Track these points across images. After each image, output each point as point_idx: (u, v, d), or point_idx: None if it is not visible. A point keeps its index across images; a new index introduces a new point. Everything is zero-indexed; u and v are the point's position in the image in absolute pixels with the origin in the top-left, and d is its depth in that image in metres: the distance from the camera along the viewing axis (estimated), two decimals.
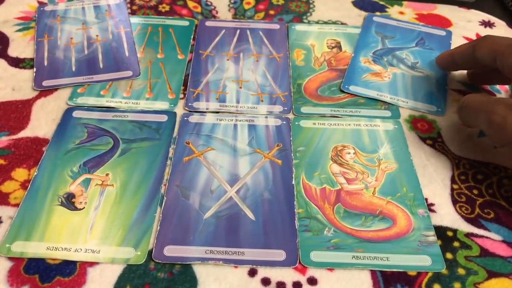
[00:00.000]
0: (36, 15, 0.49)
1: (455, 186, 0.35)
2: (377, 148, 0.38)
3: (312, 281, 0.30)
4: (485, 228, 0.33)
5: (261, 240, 0.31)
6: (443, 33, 0.49)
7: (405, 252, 0.31)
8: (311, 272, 0.30)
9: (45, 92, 0.41)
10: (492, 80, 0.42)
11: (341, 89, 0.42)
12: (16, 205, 0.33)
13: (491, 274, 0.30)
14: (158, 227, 0.32)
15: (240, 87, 0.42)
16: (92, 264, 0.30)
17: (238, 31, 0.48)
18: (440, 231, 0.33)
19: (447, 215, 0.34)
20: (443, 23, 0.51)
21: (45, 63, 0.43)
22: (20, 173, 0.35)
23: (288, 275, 0.30)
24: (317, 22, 0.50)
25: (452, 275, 0.30)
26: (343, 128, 0.39)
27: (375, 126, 0.39)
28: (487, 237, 0.32)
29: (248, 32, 0.48)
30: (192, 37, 0.48)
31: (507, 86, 0.44)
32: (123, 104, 0.40)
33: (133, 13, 0.50)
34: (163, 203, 0.33)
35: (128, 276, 0.30)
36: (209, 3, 0.52)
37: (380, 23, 0.50)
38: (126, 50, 0.45)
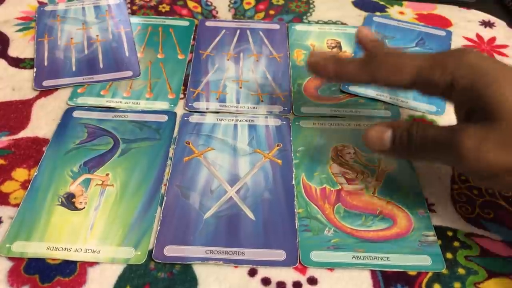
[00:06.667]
0: (36, 15, 0.49)
1: (455, 186, 0.35)
2: None
3: (312, 281, 0.30)
4: (485, 228, 0.33)
5: (261, 240, 0.31)
6: (443, 33, 0.49)
7: (405, 252, 0.31)
8: (311, 272, 0.30)
9: (45, 92, 0.41)
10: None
11: (341, 89, 0.42)
12: (16, 205, 0.33)
13: (491, 274, 0.30)
14: (158, 227, 0.32)
15: (240, 87, 0.42)
16: (92, 264, 0.30)
17: (238, 31, 0.48)
18: (440, 231, 0.33)
19: (447, 215, 0.34)
20: (443, 23, 0.51)
21: (45, 63, 0.43)
22: (20, 173, 0.35)
23: (288, 275, 0.30)
24: (317, 22, 0.50)
25: (452, 275, 0.30)
26: (343, 128, 0.39)
27: None
28: (487, 237, 0.32)
29: (248, 32, 0.48)
30: (192, 37, 0.47)
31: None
32: (123, 104, 0.40)
33: (133, 13, 0.50)
34: (163, 203, 0.33)
35: (128, 276, 0.30)
36: (209, 3, 0.52)
37: (380, 23, 0.50)
38: (126, 50, 0.45)
